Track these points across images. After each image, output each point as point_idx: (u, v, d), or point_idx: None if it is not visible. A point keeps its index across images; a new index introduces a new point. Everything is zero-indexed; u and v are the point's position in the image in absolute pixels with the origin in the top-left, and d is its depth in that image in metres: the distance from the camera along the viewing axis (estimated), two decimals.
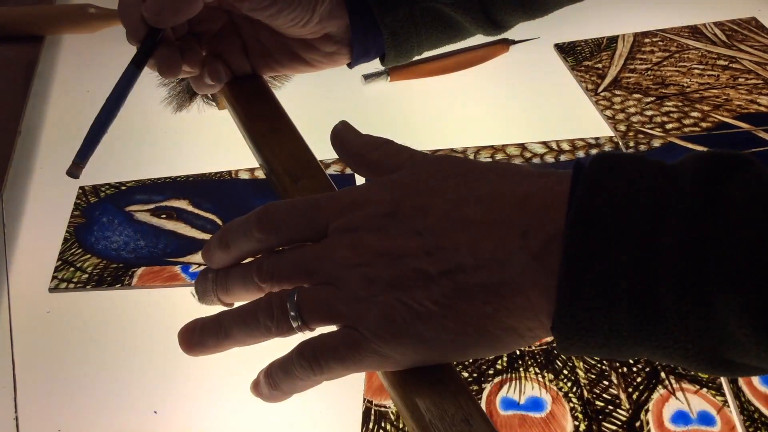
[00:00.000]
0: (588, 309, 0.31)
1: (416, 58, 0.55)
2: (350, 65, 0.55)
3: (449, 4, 0.50)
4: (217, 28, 0.54)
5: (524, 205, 0.34)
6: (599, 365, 0.53)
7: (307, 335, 0.38)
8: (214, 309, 0.42)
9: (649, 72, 0.82)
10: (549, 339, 0.55)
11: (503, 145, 0.72)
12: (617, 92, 0.79)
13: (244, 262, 0.41)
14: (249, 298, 0.40)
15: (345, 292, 0.36)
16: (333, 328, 0.38)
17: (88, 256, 0.63)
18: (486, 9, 0.51)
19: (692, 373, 0.52)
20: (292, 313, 0.37)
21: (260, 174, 0.70)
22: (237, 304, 0.41)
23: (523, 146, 0.72)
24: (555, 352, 0.54)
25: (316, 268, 0.38)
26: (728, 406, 0.50)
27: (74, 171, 0.46)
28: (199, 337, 0.41)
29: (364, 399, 0.52)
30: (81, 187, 0.69)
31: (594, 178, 0.32)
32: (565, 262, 0.31)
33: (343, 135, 0.43)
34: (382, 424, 0.50)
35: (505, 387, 0.52)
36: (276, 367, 0.39)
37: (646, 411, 0.51)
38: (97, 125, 0.47)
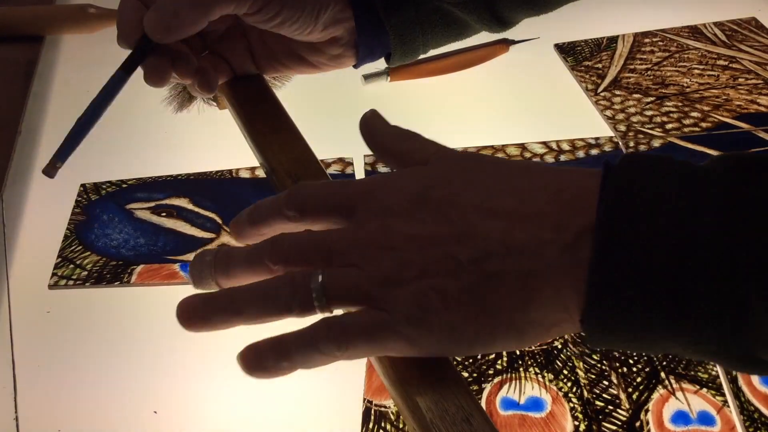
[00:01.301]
0: (619, 303, 0.31)
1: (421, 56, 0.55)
2: (355, 66, 0.55)
3: (456, 3, 0.50)
4: (223, 29, 0.54)
5: (557, 199, 0.34)
6: (599, 365, 0.53)
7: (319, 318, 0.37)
8: None
9: (649, 72, 0.82)
10: (549, 339, 0.55)
11: (503, 145, 0.72)
12: (617, 92, 0.79)
13: (250, 244, 0.40)
14: (253, 280, 0.39)
15: (374, 275, 0.36)
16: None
17: (88, 253, 0.63)
18: (491, 7, 0.51)
19: (692, 372, 0.52)
20: (315, 294, 0.36)
21: (261, 173, 0.70)
22: None
23: (523, 146, 0.72)
24: (555, 352, 0.54)
25: (340, 250, 0.37)
26: (728, 406, 0.50)
27: (50, 171, 0.45)
28: (203, 311, 0.38)
29: (364, 399, 0.52)
30: (82, 185, 0.69)
31: (625, 174, 0.32)
32: (596, 255, 0.31)
33: (372, 123, 0.42)
34: (382, 424, 0.50)
35: (505, 387, 0.52)
36: (295, 338, 0.37)
37: (646, 411, 0.51)
38: (78, 127, 0.46)
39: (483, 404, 0.51)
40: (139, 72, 0.48)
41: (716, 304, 0.30)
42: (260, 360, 0.37)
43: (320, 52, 0.52)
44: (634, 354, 0.54)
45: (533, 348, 0.55)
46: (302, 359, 0.37)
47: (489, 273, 0.34)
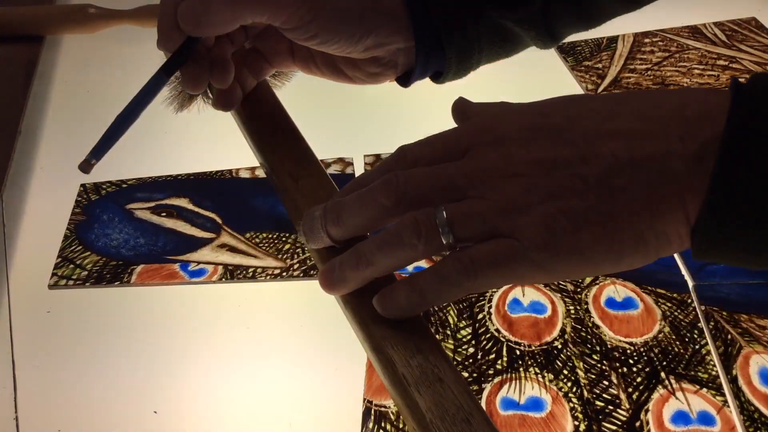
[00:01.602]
0: (738, 211, 0.32)
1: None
2: (406, 85, 0.53)
3: (514, 19, 0.49)
4: (264, 26, 0.52)
5: (681, 113, 0.34)
6: (599, 365, 0.53)
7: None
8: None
9: (649, 72, 0.82)
10: (549, 338, 0.55)
11: None
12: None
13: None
14: (366, 226, 0.39)
15: (500, 203, 0.36)
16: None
17: (88, 253, 0.63)
18: (548, 22, 0.50)
19: (692, 372, 0.52)
20: (441, 230, 0.36)
21: (261, 173, 0.70)
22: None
23: None
24: (555, 352, 0.54)
25: (460, 183, 0.37)
26: (728, 406, 0.50)
27: (86, 167, 0.46)
28: (339, 272, 0.39)
29: (364, 399, 0.52)
30: (82, 185, 0.69)
31: (756, 90, 0.32)
32: (719, 162, 0.32)
33: (464, 101, 0.43)
34: (382, 424, 0.50)
35: (505, 387, 0.52)
36: (425, 274, 0.37)
37: (646, 411, 0.51)
38: (115, 126, 0.47)
39: (483, 404, 0.51)
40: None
41: None
42: (395, 300, 0.38)
43: (358, 69, 0.52)
44: (635, 354, 0.54)
45: (533, 348, 0.55)
46: (433, 293, 0.37)
47: (616, 188, 0.34)
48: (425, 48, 0.49)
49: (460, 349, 0.55)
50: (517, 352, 0.54)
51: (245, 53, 0.53)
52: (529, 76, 0.82)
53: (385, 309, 0.38)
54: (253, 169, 0.71)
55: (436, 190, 0.37)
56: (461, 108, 0.42)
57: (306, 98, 0.76)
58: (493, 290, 0.59)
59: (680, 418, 0.50)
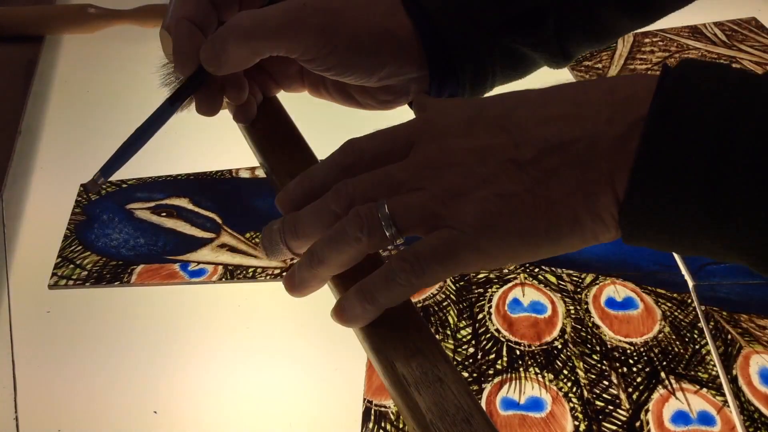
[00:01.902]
0: (659, 191, 0.32)
1: None
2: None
3: (528, 44, 0.49)
4: None
5: (610, 97, 0.35)
6: (599, 365, 0.53)
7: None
8: None
9: (649, 72, 0.82)
10: (549, 338, 0.55)
11: None
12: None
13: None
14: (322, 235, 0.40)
15: (438, 192, 0.37)
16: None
17: (88, 253, 0.63)
18: (562, 44, 0.51)
19: (692, 372, 0.52)
20: (384, 222, 0.37)
21: (261, 173, 0.70)
22: None
23: None
24: (555, 352, 0.54)
25: (402, 179, 0.38)
26: (728, 406, 0.50)
27: (92, 186, 0.46)
28: (298, 274, 0.40)
29: (364, 399, 0.52)
30: (82, 185, 0.69)
31: (682, 74, 0.33)
32: (643, 144, 0.32)
33: (424, 97, 0.44)
34: (382, 424, 0.50)
35: (505, 387, 0.52)
36: (373, 278, 0.38)
37: (646, 411, 0.51)
38: (126, 146, 0.47)
39: (483, 404, 0.51)
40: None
41: (753, 201, 0.31)
42: (348, 310, 0.39)
43: (370, 96, 0.51)
44: (635, 354, 0.54)
45: (533, 348, 0.55)
46: (384, 297, 0.38)
47: (548, 170, 0.35)
48: (439, 77, 0.49)
49: (460, 349, 0.55)
50: (517, 352, 0.54)
51: (254, 70, 0.52)
52: (529, 77, 0.82)
53: (342, 320, 0.39)
54: (253, 169, 0.71)
55: (381, 189, 0.38)
56: (420, 105, 0.43)
57: (306, 98, 0.75)
58: (493, 290, 0.59)
59: (680, 418, 0.50)
